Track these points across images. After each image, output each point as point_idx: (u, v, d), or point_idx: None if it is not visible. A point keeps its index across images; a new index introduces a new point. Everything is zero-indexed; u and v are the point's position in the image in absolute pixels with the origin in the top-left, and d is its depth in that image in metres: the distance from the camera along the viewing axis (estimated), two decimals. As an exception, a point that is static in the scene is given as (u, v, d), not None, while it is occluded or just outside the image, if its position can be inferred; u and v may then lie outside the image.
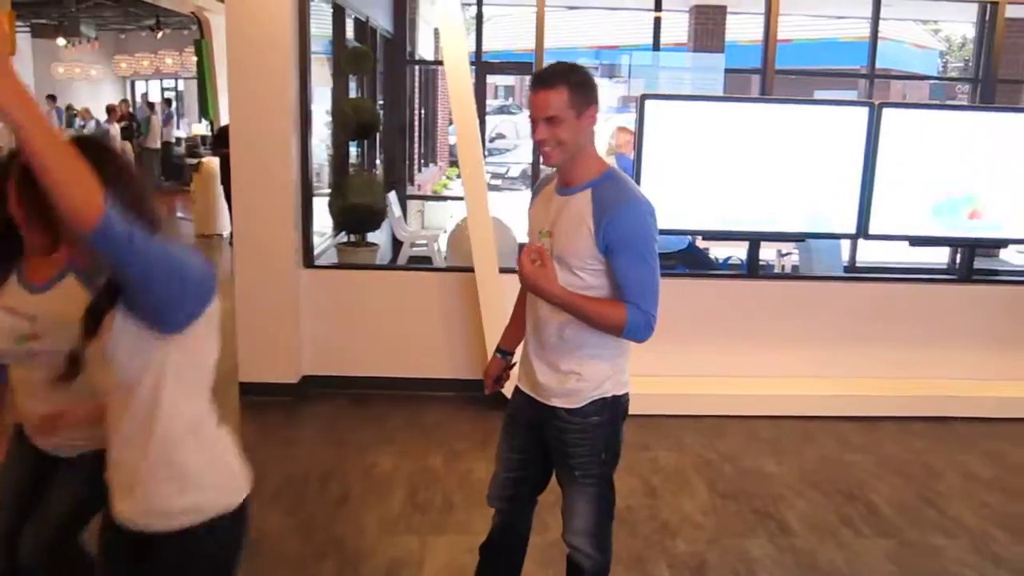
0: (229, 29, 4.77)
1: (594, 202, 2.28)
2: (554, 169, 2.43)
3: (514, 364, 2.70)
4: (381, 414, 4.88)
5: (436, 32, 12.16)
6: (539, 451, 2.54)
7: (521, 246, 5.79)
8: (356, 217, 5.39)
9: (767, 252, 7.05)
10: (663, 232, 5.33)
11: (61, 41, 16.54)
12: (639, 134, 4.71)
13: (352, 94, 6.70)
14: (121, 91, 21.64)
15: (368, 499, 3.85)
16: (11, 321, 2.05)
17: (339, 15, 6.22)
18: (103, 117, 18.05)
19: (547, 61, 5.46)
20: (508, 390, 2.65)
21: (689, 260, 5.98)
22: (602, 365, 2.40)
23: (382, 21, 8.21)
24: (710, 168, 4.80)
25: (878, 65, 9.14)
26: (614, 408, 2.44)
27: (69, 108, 19.07)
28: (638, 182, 4.73)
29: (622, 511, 3.74)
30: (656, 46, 9.11)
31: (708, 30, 10.14)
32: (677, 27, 10.89)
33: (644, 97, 4.70)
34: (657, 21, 8.87)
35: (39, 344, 2.04)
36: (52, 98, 19.18)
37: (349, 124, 5.41)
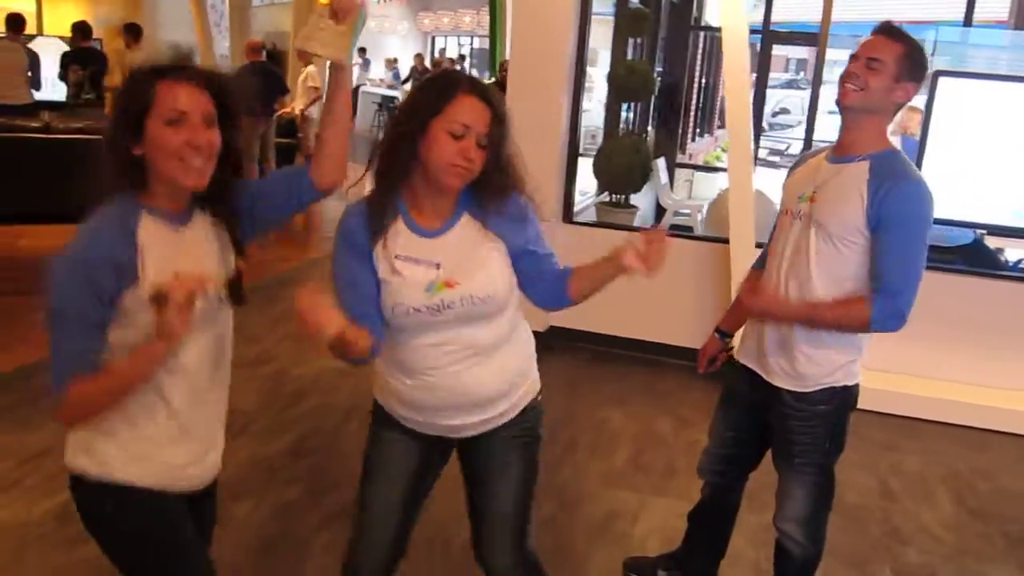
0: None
1: (872, 172, 2.17)
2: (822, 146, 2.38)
3: (732, 347, 2.65)
4: (619, 373, 4.97)
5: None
6: (755, 431, 2.50)
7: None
8: (617, 177, 5.46)
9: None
10: (943, 222, 4.95)
11: (373, -3, 17.96)
12: (927, 114, 4.36)
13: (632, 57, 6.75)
14: (423, 46, 23.14)
15: (594, 451, 3.97)
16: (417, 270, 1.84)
17: (625, -23, 6.28)
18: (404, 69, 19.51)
19: (841, 34, 5.20)
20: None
21: (972, 257, 5.45)
22: (836, 352, 2.30)
23: (670, -15, 8.16)
24: (1008, 156, 4.34)
25: None
26: (843, 398, 2.34)
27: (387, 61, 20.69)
28: (920, 165, 4.41)
29: (852, 508, 3.60)
30: (968, 21, 8.30)
31: (1035, 5, 9.01)
32: (998, 2, 9.81)
33: (938, 74, 4.33)
34: (973, -7, 8.08)
35: (452, 292, 1.84)
36: (363, 50, 20.96)
37: (622, 86, 5.47)
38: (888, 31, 2.18)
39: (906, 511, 3.63)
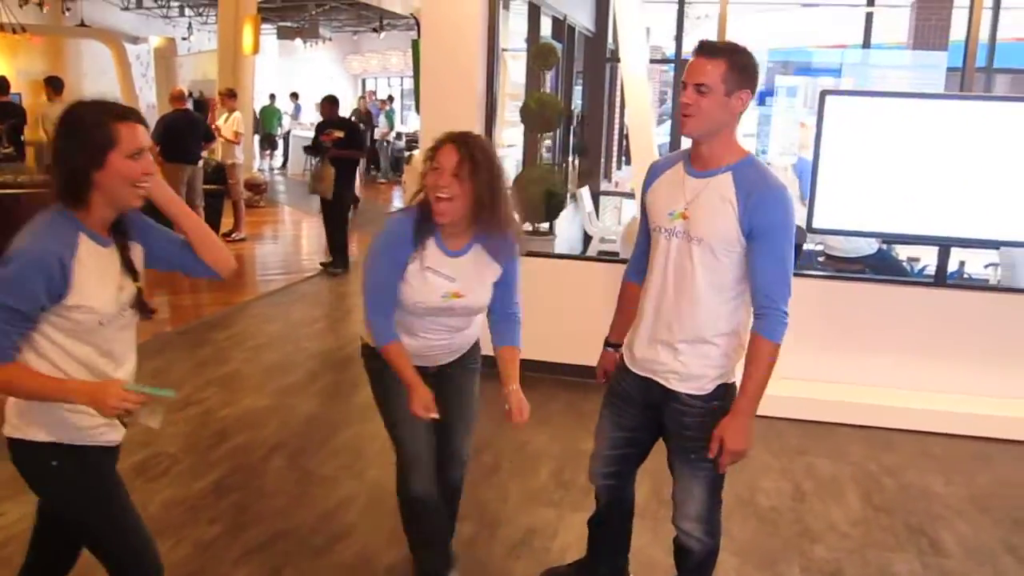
0: (425, 27, 5.14)
1: (736, 183, 2.30)
2: (670, 154, 2.51)
3: (621, 354, 2.75)
4: (544, 397, 5.06)
5: (648, 31, 12.22)
6: (649, 431, 2.61)
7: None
8: (532, 206, 5.60)
9: (974, 265, 6.57)
10: (845, 233, 5.16)
11: (299, 42, 18.09)
12: (818, 132, 4.58)
13: (549, 90, 6.93)
14: (352, 88, 23.29)
15: (516, 472, 4.05)
16: (437, 280, 2.54)
17: (534, 13, 6.48)
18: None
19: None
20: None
21: (878, 266, 5.71)
22: (726, 352, 2.44)
23: (583, 20, 8.41)
24: (897, 168, 4.57)
25: None
26: (732, 393, 2.47)
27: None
28: (814, 182, 4.63)
29: (766, 511, 3.74)
30: (867, 43, 8.73)
31: (931, 26, 9.52)
32: (898, 26, 10.31)
33: (824, 93, 4.57)
34: (869, 17, 8.52)
35: (458, 300, 2.57)
36: (295, 95, 21.04)
37: (533, 118, 5.64)
38: (707, 51, 2.28)
39: (816, 511, 3.78)
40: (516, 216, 2.58)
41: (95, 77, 15.21)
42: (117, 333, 2.05)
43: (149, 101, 15.91)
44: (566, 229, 7.62)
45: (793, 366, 4.96)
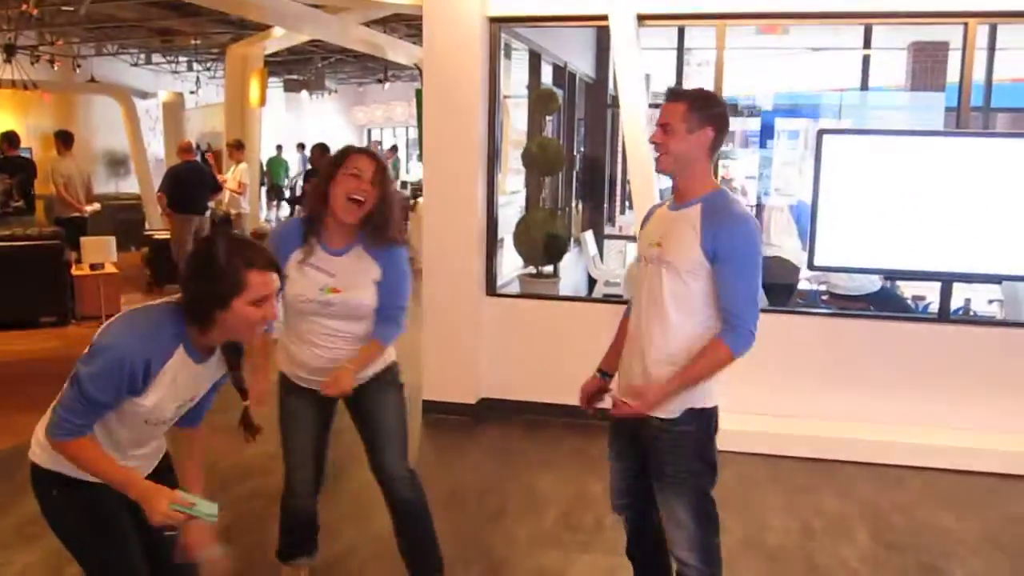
0: (427, 77, 5.23)
1: (703, 213, 2.45)
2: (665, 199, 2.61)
3: (612, 388, 2.79)
4: (550, 439, 5.06)
5: (647, 77, 12.37)
6: (642, 459, 2.63)
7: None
8: (535, 249, 5.65)
9: (979, 302, 6.57)
10: (846, 270, 5.18)
11: (305, 94, 18.36)
12: (816, 171, 4.63)
13: (551, 135, 7.03)
14: (358, 138, 23.57)
15: (522, 515, 4.03)
16: (316, 275, 2.76)
17: (535, 61, 6.59)
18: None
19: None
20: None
21: (881, 304, 5.71)
22: None
23: (583, 66, 8.53)
24: (897, 206, 4.61)
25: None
26: (703, 419, 2.52)
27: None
28: (815, 219, 4.67)
29: (774, 550, 3.71)
30: (864, 86, 8.82)
31: (927, 68, 9.63)
32: (896, 69, 10.41)
33: (822, 132, 4.63)
34: (866, 60, 8.61)
35: (335, 296, 2.76)
36: (301, 146, 21.28)
37: (535, 162, 5.71)
38: (671, 95, 2.52)
39: (826, 549, 3.74)
40: (402, 226, 2.92)
41: (105, 132, 15.46)
42: (154, 429, 2.17)
43: (157, 154, 16.11)
44: (571, 272, 7.66)
45: (799, 404, 4.97)
